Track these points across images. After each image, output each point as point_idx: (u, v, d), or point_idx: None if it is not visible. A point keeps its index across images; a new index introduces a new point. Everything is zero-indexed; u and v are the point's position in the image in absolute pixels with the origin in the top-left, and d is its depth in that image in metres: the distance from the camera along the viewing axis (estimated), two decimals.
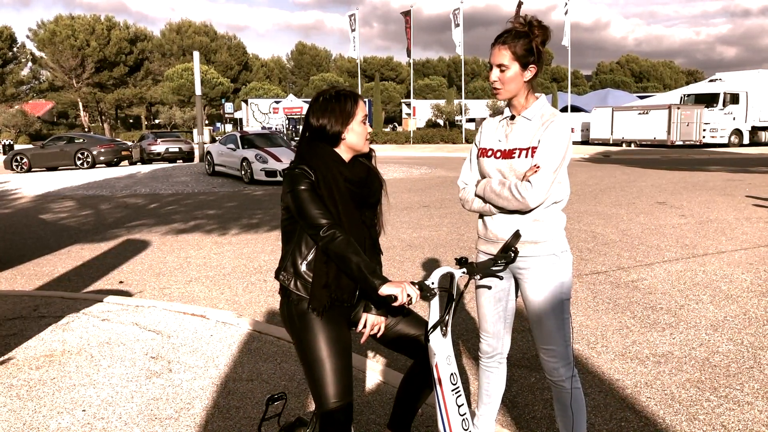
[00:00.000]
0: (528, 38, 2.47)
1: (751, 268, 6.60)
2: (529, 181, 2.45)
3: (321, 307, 2.30)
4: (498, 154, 2.60)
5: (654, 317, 5.09)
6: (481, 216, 2.71)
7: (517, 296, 2.76)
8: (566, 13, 33.40)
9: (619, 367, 4.12)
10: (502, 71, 2.51)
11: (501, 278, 2.60)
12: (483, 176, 2.67)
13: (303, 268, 2.34)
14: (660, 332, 4.75)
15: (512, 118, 2.61)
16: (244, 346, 4.46)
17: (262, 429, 2.57)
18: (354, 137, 2.38)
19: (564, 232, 2.62)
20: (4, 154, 35.33)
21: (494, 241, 2.61)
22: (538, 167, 2.45)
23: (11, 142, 41.75)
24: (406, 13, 38.47)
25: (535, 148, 2.49)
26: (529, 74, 2.52)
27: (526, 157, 2.50)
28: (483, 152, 2.67)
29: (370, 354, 4.43)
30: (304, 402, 3.56)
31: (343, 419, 2.28)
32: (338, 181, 2.30)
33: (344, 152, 2.40)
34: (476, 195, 2.65)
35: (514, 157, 2.54)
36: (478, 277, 2.41)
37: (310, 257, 2.33)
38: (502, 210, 2.57)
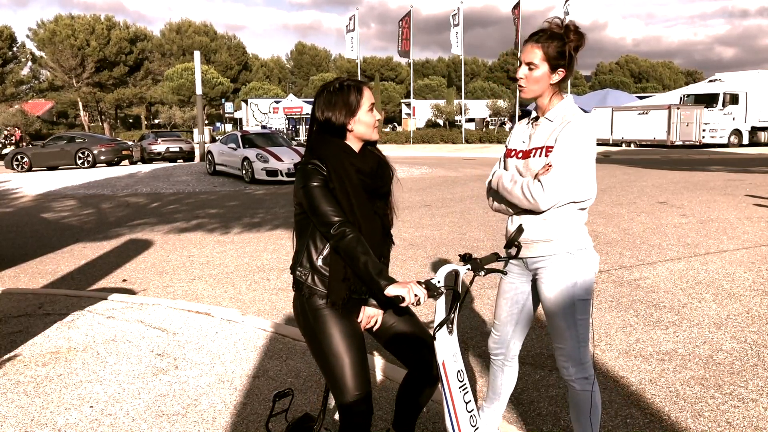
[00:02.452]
0: (562, 41, 2.46)
1: (753, 267, 6.62)
2: (539, 182, 2.44)
3: (340, 301, 2.31)
4: (519, 155, 2.61)
5: (657, 315, 5.11)
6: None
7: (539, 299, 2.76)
8: (567, 13, 33.42)
9: (623, 365, 4.13)
10: (530, 69, 2.51)
11: (505, 273, 2.61)
12: None
13: (319, 262, 2.34)
14: (663, 330, 4.77)
15: (536, 119, 2.62)
16: (250, 343, 4.47)
17: (269, 425, 2.58)
18: (362, 127, 2.37)
19: (584, 230, 2.59)
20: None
21: None
22: (550, 166, 2.44)
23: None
24: (406, 15, 38.44)
25: (550, 147, 2.48)
26: (556, 77, 2.51)
27: (540, 156, 2.51)
28: (508, 153, 2.70)
29: (376, 352, 4.44)
30: (311, 398, 3.57)
31: (365, 410, 2.29)
32: (350, 173, 2.30)
33: (353, 143, 2.39)
34: (489, 186, 2.65)
35: (530, 157, 2.55)
36: (483, 272, 2.41)
37: (326, 252, 2.33)
38: (517, 211, 2.58)
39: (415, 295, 2.12)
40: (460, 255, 2.38)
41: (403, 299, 2.11)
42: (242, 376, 3.91)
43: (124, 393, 3.67)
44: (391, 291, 2.12)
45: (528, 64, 2.51)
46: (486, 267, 2.42)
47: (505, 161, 2.72)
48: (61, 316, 5.13)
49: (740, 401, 3.57)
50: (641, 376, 3.94)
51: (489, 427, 2.88)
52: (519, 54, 2.61)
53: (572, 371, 2.59)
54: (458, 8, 36.84)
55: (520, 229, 2.51)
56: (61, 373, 3.97)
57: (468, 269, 2.37)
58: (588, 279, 2.56)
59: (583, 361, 2.59)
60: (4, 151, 29.81)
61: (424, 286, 2.17)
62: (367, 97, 2.38)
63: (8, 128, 37.56)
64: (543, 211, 2.49)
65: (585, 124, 2.48)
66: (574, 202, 2.53)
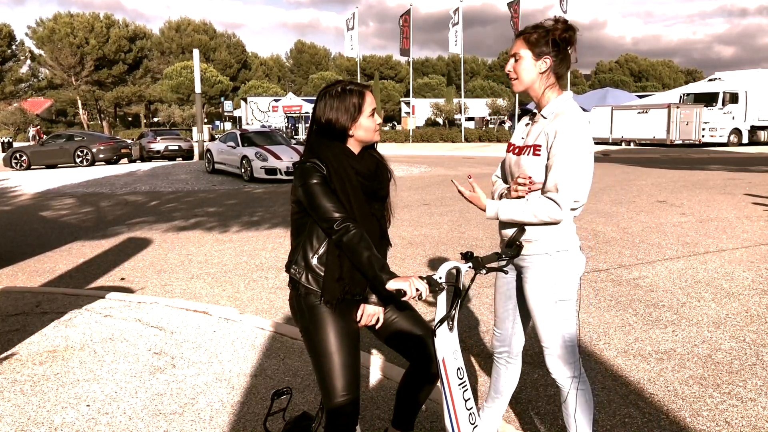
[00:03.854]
0: (546, 29, 2.47)
1: (752, 266, 6.61)
2: (555, 202, 2.41)
3: (334, 300, 2.31)
4: (516, 150, 2.62)
5: (656, 315, 5.10)
6: None
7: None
8: (565, 12, 33.39)
9: (622, 364, 4.13)
10: (516, 61, 2.53)
11: (506, 272, 2.60)
12: (503, 170, 2.73)
13: (314, 261, 2.34)
14: (662, 329, 4.76)
15: (534, 115, 2.62)
16: (247, 342, 4.46)
17: (267, 424, 2.57)
18: (362, 132, 2.38)
19: (568, 231, 2.54)
20: (3, 151, 35.27)
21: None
22: (532, 182, 2.46)
23: (10, 140, 41.69)
24: (405, 13, 38.41)
25: (538, 146, 2.48)
26: (543, 65, 2.49)
27: (529, 155, 2.52)
28: (508, 147, 2.72)
29: (374, 350, 4.43)
30: (309, 397, 3.56)
31: (350, 412, 2.29)
32: (349, 173, 2.30)
33: (353, 145, 2.40)
34: (504, 217, 2.55)
35: (522, 154, 2.57)
36: (484, 271, 2.41)
37: (321, 251, 2.33)
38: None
39: (417, 289, 2.12)
40: (461, 253, 2.38)
41: (405, 293, 2.11)
42: (240, 374, 3.90)
43: (121, 392, 3.66)
44: (392, 285, 2.13)
45: (513, 55, 2.54)
46: (487, 266, 2.42)
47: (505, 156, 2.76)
48: (59, 315, 5.12)
49: (739, 401, 3.56)
50: (640, 376, 3.94)
51: (489, 427, 2.87)
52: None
53: (560, 371, 2.58)
54: (458, 7, 36.78)
55: (521, 229, 2.51)
56: (58, 372, 3.96)
57: (469, 267, 2.36)
58: (568, 280, 2.52)
59: (570, 361, 2.56)
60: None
61: (425, 281, 2.17)
62: (369, 103, 2.38)
63: (35, 127, 38.14)
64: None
65: (574, 122, 2.43)
66: None
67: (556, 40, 2.47)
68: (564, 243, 2.53)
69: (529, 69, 2.50)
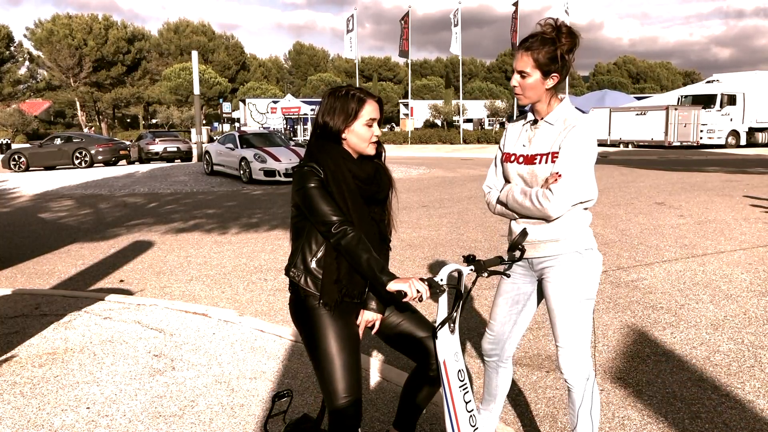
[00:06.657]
0: (554, 45, 2.43)
1: (750, 268, 6.62)
2: (550, 190, 2.43)
3: (332, 302, 2.32)
4: (521, 159, 2.59)
5: (654, 316, 5.11)
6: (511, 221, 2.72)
7: (539, 301, 2.75)
8: (567, 14, 33.39)
9: (620, 366, 4.13)
10: (522, 77, 2.49)
11: (508, 275, 2.61)
12: (507, 181, 2.67)
13: (313, 264, 2.35)
14: (660, 331, 4.77)
15: (535, 122, 2.60)
16: (247, 344, 4.46)
17: (267, 426, 2.58)
18: (354, 138, 2.36)
19: (589, 230, 2.59)
20: (2, 153, 35.23)
21: None
22: (560, 175, 2.43)
23: (8, 141, 41.66)
24: (405, 15, 38.43)
25: (556, 153, 2.47)
26: (551, 82, 2.49)
27: (546, 162, 2.49)
28: (507, 157, 2.66)
29: (374, 352, 4.44)
30: (309, 399, 3.57)
31: (352, 414, 2.30)
32: (347, 177, 2.31)
33: (350, 150, 2.40)
34: (498, 201, 2.64)
35: (535, 163, 2.52)
36: (486, 274, 2.42)
37: (319, 254, 2.34)
38: (523, 215, 2.57)
39: (417, 291, 2.13)
40: (463, 256, 2.39)
41: (405, 294, 2.12)
42: (239, 377, 3.90)
43: (120, 394, 3.66)
44: (392, 286, 2.14)
45: (520, 72, 2.49)
46: (489, 269, 2.42)
47: (503, 165, 2.69)
48: (58, 317, 5.12)
49: (737, 402, 3.57)
50: (638, 378, 3.95)
51: (487, 430, 2.87)
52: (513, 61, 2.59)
53: (574, 371, 2.58)
54: (457, 8, 36.81)
55: (524, 233, 2.51)
56: (57, 374, 3.96)
57: (471, 270, 2.37)
58: (595, 278, 2.58)
59: (585, 362, 2.59)
60: None
61: (426, 283, 2.18)
62: (368, 111, 2.35)
63: (90, 128, 38.52)
64: (554, 219, 2.49)
65: (588, 128, 2.48)
66: (579, 203, 2.54)
67: (563, 55, 2.45)
68: (590, 241, 2.58)
69: (538, 87, 2.49)
